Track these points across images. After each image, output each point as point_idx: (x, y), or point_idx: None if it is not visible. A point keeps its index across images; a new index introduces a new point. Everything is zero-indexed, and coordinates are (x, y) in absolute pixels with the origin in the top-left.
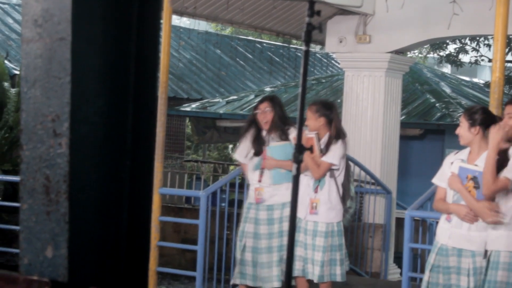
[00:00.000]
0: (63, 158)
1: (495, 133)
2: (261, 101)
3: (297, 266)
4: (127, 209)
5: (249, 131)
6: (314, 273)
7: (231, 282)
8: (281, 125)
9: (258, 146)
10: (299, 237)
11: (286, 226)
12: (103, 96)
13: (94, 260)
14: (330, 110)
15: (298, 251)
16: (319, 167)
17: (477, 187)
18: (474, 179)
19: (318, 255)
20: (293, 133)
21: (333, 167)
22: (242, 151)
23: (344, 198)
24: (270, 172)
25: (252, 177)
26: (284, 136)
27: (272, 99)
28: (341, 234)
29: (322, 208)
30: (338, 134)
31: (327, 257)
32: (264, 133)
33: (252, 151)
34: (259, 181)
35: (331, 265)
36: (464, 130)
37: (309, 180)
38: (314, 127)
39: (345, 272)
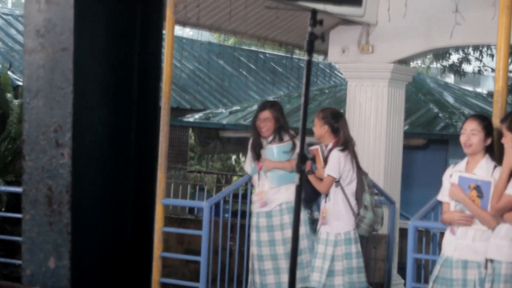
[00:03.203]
0: (66, 168)
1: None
2: (261, 109)
3: (314, 277)
4: (130, 220)
5: (255, 139)
6: (319, 281)
7: None
8: (282, 129)
9: (257, 151)
10: (318, 248)
11: (288, 233)
12: (105, 106)
13: (97, 270)
14: (336, 119)
15: (316, 262)
16: (321, 183)
17: (480, 196)
18: (477, 188)
19: (326, 264)
20: (295, 137)
21: (334, 179)
22: (248, 162)
23: (357, 207)
24: (268, 174)
25: (254, 182)
26: (285, 137)
27: (272, 107)
28: (349, 243)
29: (329, 218)
30: (344, 144)
31: (337, 267)
32: (262, 138)
33: (253, 158)
34: (260, 185)
35: (342, 275)
36: (480, 140)
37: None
38: (318, 134)
39: (353, 282)
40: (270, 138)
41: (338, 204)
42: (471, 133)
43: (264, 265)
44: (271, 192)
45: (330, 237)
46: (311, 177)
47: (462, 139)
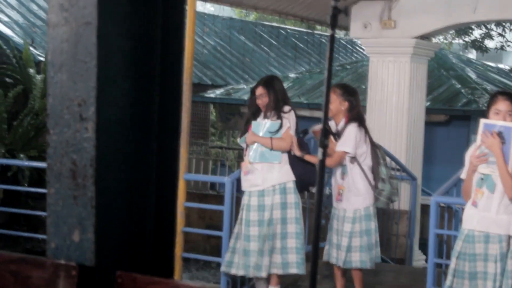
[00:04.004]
0: (90, 142)
1: None
2: (256, 86)
3: (333, 254)
4: (153, 194)
5: (250, 113)
6: (339, 258)
7: (221, 269)
8: (277, 106)
9: (248, 122)
10: (333, 224)
11: (276, 214)
12: (129, 80)
13: (121, 244)
14: (354, 96)
15: (333, 238)
16: (331, 157)
17: (503, 142)
18: (500, 134)
19: (344, 241)
20: (287, 113)
21: (349, 155)
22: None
23: (374, 181)
24: (251, 148)
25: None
26: (276, 115)
27: (266, 83)
28: (369, 219)
29: (347, 195)
30: (358, 119)
31: (354, 243)
32: (262, 114)
33: (244, 128)
34: (245, 155)
35: (360, 251)
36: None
37: (338, 168)
38: (336, 111)
39: (372, 258)
40: (271, 115)
41: (356, 180)
42: (507, 114)
43: (250, 246)
44: (263, 170)
45: (348, 214)
46: (308, 157)
47: (497, 119)
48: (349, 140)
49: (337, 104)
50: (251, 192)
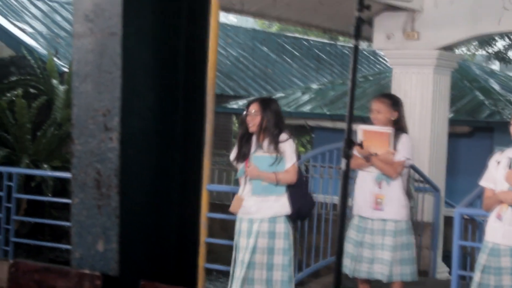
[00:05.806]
0: (114, 152)
1: None
2: (251, 102)
3: (363, 268)
4: (177, 204)
5: (242, 133)
6: (383, 273)
7: None
8: (272, 131)
9: (244, 151)
10: (365, 238)
11: (262, 242)
12: (153, 91)
13: (145, 254)
14: (402, 106)
15: (365, 253)
16: (392, 166)
17: None
18: None
19: (387, 255)
20: (286, 142)
21: (408, 162)
22: (234, 154)
23: (409, 195)
24: (252, 182)
25: (241, 182)
26: (274, 146)
27: (262, 102)
28: (410, 233)
29: (391, 204)
30: (403, 129)
31: (397, 256)
32: (254, 138)
33: (238, 155)
34: (245, 189)
35: (402, 265)
36: None
37: (369, 175)
38: (385, 121)
39: (415, 271)
40: (264, 144)
41: (401, 191)
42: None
43: (236, 272)
44: (259, 199)
45: (388, 227)
46: (376, 160)
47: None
48: (408, 149)
49: (387, 114)
50: (242, 218)
